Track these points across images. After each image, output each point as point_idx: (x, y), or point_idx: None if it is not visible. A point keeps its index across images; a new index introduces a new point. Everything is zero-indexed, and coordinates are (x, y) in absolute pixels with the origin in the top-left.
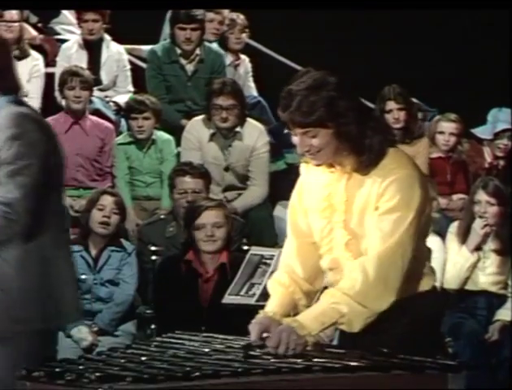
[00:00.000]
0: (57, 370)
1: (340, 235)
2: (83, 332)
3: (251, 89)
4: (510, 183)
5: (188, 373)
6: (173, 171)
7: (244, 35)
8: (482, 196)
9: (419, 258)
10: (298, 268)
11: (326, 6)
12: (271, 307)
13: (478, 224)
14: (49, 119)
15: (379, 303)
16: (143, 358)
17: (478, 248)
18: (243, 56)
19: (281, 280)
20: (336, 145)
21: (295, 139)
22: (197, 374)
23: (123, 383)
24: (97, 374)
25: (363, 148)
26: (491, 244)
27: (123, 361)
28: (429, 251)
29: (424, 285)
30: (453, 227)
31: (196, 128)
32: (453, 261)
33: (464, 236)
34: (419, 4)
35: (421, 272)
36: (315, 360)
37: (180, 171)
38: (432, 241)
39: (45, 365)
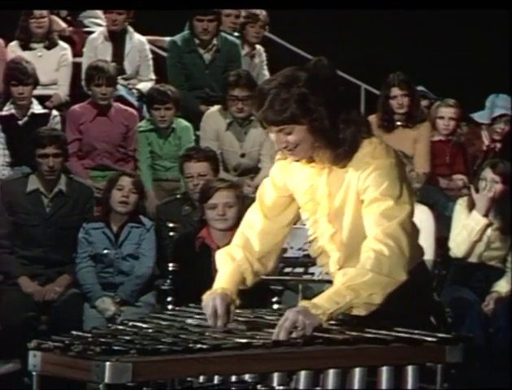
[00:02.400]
0: (66, 342)
1: (325, 228)
2: (106, 303)
3: (266, 78)
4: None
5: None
6: (181, 157)
7: (263, 30)
8: (488, 174)
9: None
10: (256, 245)
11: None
12: (223, 283)
13: (484, 190)
14: (77, 107)
15: (400, 272)
16: (150, 331)
17: (486, 214)
18: (258, 46)
19: (235, 255)
20: (311, 141)
21: (271, 136)
22: (198, 346)
23: (129, 356)
24: (103, 347)
25: (338, 141)
26: (497, 222)
27: (131, 333)
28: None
29: (416, 258)
30: (463, 200)
31: (213, 119)
32: (463, 224)
33: (473, 208)
34: (419, 4)
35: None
36: (315, 333)
37: (186, 156)
38: (421, 210)
39: (56, 336)
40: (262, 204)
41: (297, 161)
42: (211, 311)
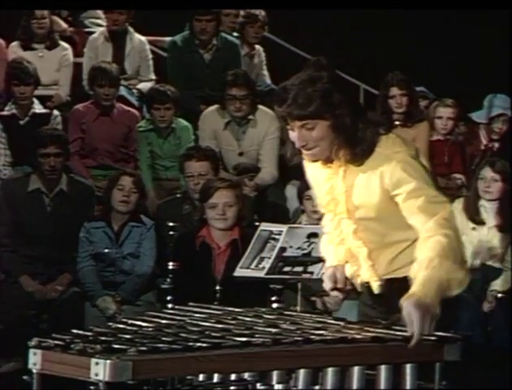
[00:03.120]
0: (67, 340)
1: (346, 225)
2: (107, 302)
3: (265, 78)
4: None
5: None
6: (181, 156)
7: (262, 30)
8: (488, 172)
9: None
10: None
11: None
12: (332, 261)
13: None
14: (80, 106)
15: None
16: (150, 329)
17: (482, 222)
18: (257, 46)
19: (329, 239)
20: (332, 138)
21: (292, 135)
22: (198, 345)
23: (129, 354)
24: (103, 345)
25: (357, 140)
26: (493, 220)
27: (131, 332)
28: None
29: None
30: (459, 202)
31: (210, 119)
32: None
33: (469, 211)
34: (420, 4)
35: None
36: (315, 332)
37: (186, 155)
38: None
39: (57, 334)
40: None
41: (314, 161)
42: (331, 277)
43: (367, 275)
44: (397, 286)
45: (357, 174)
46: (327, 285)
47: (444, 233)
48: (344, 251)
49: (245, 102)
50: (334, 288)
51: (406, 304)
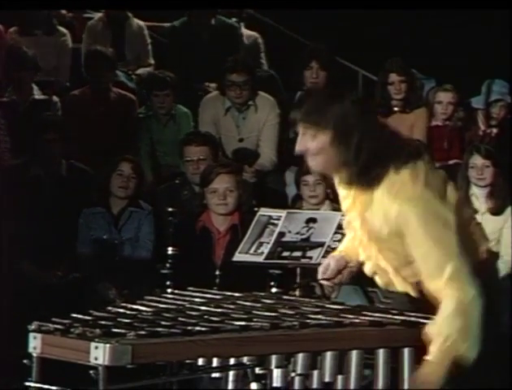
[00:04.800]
0: (66, 324)
1: (369, 245)
2: (107, 287)
3: (263, 66)
4: (506, 148)
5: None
6: (181, 141)
7: None
8: (478, 159)
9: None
10: None
11: None
12: (342, 246)
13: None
14: (77, 92)
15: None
16: (149, 314)
17: (475, 211)
18: (255, 33)
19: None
20: (331, 155)
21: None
22: (197, 329)
23: (128, 338)
24: (103, 329)
25: (355, 163)
26: (485, 205)
27: (130, 316)
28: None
29: None
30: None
31: (210, 105)
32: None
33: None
34: (420, 4)
35: None
36: (312, 316)
37: (186, 140)
38: None
39: (57, 318)
40: None
41: (316, 172)
42: (323, 267)
43: (401, 287)
44: None
45: (365, 202)
46: (318, 273)
47: (449, 294)
48: (371, 266)
49: (245, 88)
50: (323, 278)
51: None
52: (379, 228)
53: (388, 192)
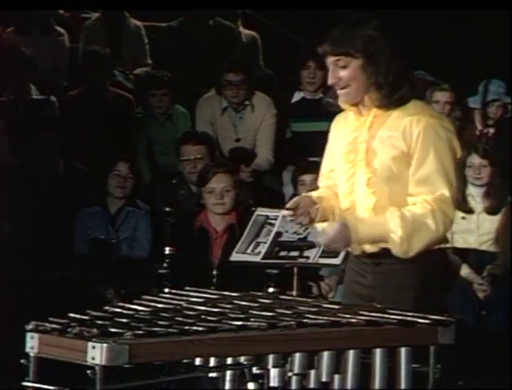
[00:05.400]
0: (64, 323)
1: (362, 173)
2: (104, 287)
3: (260, 64)
4: (503, 148)
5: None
6: (178, 140)
7: None
8: (475, 159)
9: None
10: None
11: None
12: (313, 192)
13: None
14: (74, 92)
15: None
16: (146, 313)
17: (471, 211)
18: (253, 32)
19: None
20: (363, 80)
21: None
22: (194, 328)
23: (125, 338)
24: (100, 329)
25: (388, 86)
26: (481, 205)
27: (127, 315)
28: None
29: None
30: None
31: (207, 105)
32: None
33: (457, 200)
34: (419, 4)
35: None
36: (309, 316)
37: (183, 139)
38: None
39: (54, 318)
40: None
41: (347, 103)
42: (289, 204)
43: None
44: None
45: (381, 124)
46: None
47: (431, 209)
48: (348, 201)
49: (241, 87)
50: (291, 210)
51: (337, 222)
52: (389, 148)
53: (413, 108)
